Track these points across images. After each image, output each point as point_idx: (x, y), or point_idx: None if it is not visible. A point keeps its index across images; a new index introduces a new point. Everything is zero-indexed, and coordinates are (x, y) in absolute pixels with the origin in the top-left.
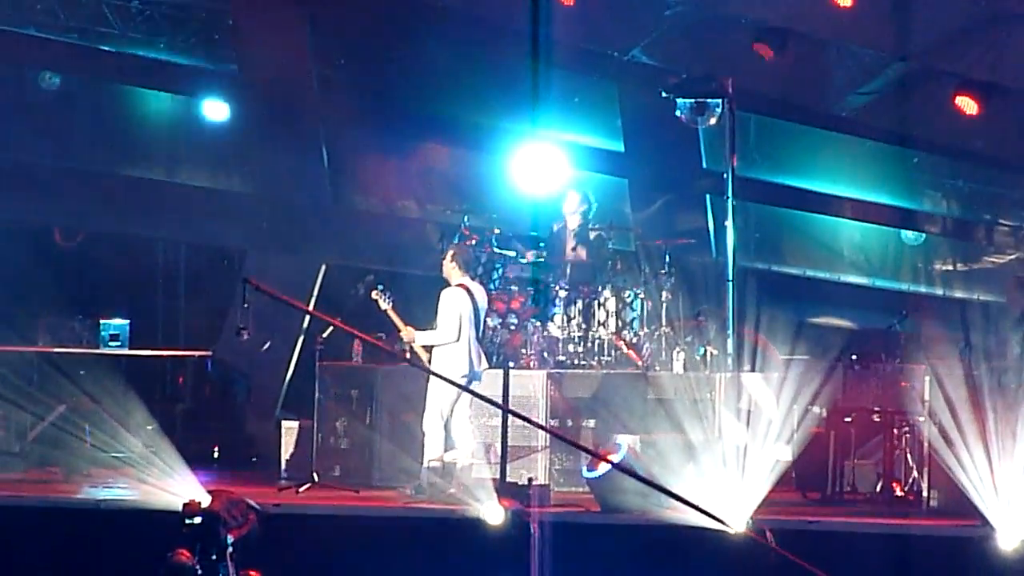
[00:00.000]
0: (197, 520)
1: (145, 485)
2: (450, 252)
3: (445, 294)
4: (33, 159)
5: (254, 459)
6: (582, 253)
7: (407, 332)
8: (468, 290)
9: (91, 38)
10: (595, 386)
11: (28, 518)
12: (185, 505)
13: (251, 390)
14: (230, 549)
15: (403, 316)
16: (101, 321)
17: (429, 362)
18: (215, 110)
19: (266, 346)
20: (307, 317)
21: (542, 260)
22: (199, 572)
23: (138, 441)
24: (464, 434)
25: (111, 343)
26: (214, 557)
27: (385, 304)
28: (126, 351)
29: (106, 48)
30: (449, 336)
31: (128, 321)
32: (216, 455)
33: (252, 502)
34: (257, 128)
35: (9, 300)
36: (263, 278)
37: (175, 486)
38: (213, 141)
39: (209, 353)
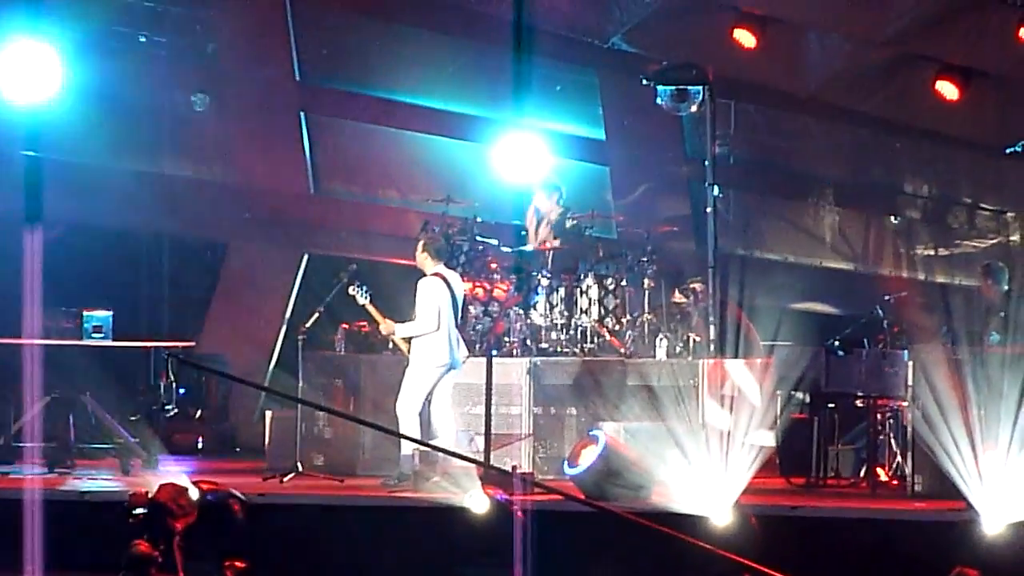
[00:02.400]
0: (143, 511)
1: (129, 476)
2: (420, 242)
3: (422, 284)
4: (13, 151)
5: (238, 449)
6: (558, 243)
7: (386, 325)
8: (444, 279)
9: None
10: (578, 373)
11: (11, 510)
12: (131, 496)
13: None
14: (177, 538)
15: (386, 306)
16: (84, 313)
17: (409, 352)
18: (196, 101)
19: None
20: (289, 306)
21: (523, 248)
22: (160, 561)
23: (122, 432)
24: (446, 422)
25: (94, 335)
26: (161, 547)
27: (362, 299)
28: (109, 342)
29: None
30: (428, 326)
31: (111, 312)
32: (200, 445)
33: (237, 492)
34: (238, 118)
35: None
36: (246, 268)
37: (159, 477)
38: (195, 131)
39: (192, 344)
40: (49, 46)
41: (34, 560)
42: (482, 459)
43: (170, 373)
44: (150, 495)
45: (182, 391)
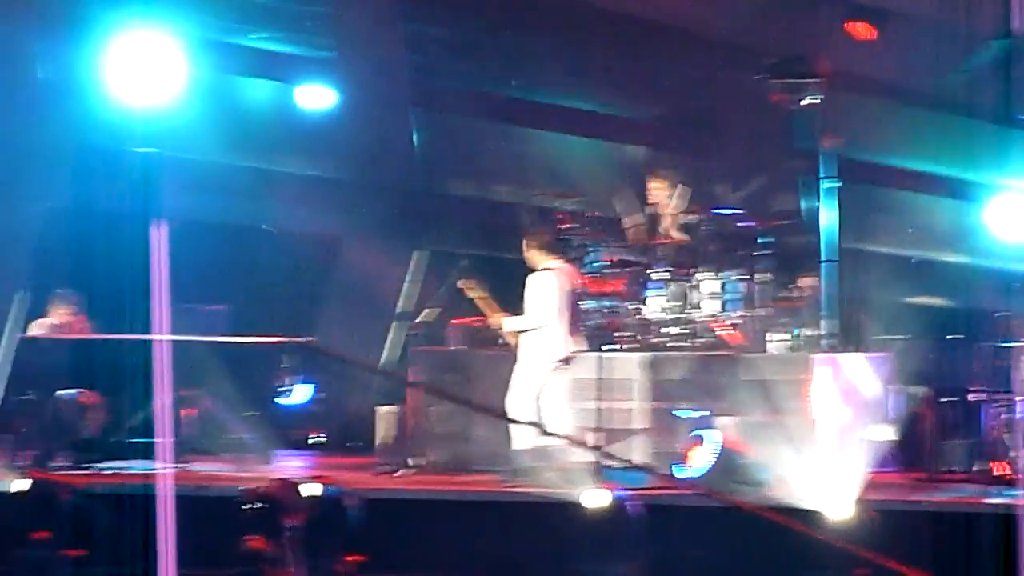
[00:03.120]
0: (256, 505)
1: (244, 472)
2: (526, 240)
3: (532, 279)
4: (134, 148)
5: (350, 444)
6: (677, 236)
7: (496, 319)
8: (556, 273)
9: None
10: (691, 368)
11: (128, 505)
12: (244, 491)
13: (347, 375)
14: (289, 533)
15: (497, 302)
16: (201, 309)
17: (517, 347)
18: (310, 96)
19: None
20: (402, 302)
21: (637, 243)
22: (273, 555)
23: (239, 427)
24: (558, 417)
25: (211, 331)
26: (274, 542)
27: (474, 293)
28: (226, 338)
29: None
30: (537, 321)
31: (228, 308)
32: (314, 441)
33: (349, 487)
34: (352, 114)
35: (115, 289)
36: (359, 264)
37: (273, 473)
38: (308, 127)
39: (310, 339)
40: (170, 41)
41: (149, 555)
42: (594, 456)
43: (288, 367)
44: (264, 490)
45: (297, 387)
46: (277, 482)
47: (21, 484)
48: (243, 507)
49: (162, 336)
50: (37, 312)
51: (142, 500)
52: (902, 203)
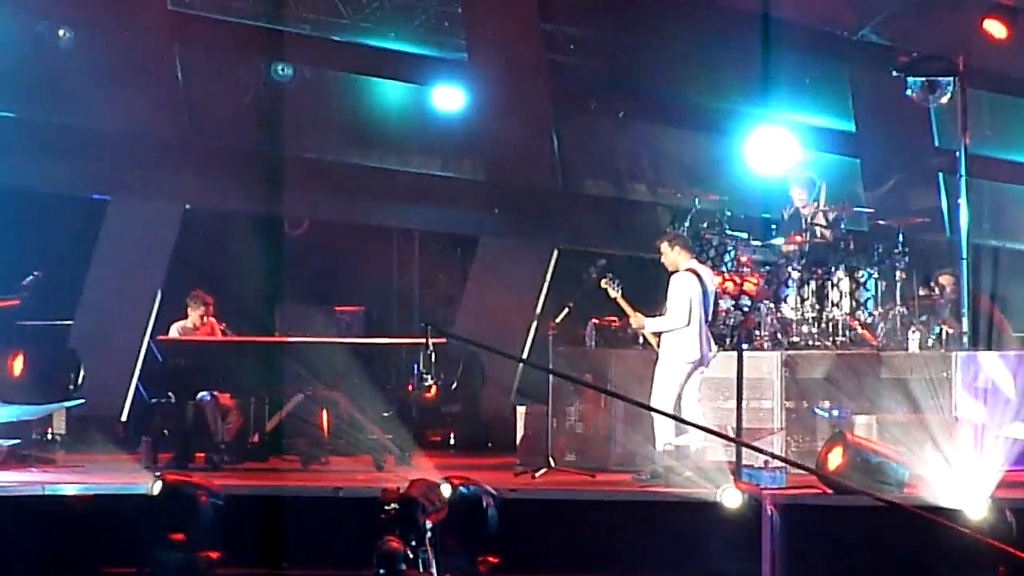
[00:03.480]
0: (395, 506)
1: (381, 472)
2: (665, 241)
3: (675, 279)
4: (267, 149)
5: (489, 444)
6: (826, 234)
7: (637, 319)
8: (697, 274)
9: (323, 29)
10: (829, 367)
11: (267, 506)
12: (383, 491)
13: (486, 375)
14: (428, 534)
15: (635, 300)
16: (336, 309)
17: (658, 347)
18: (445, 97)
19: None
20: (540, 301)
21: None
22: (409, 557)
23: (375, 428)
24: (695, 416)
25: (346, 331)
26: (413, 542)
27: (614, 292)
28: (362, 339)
29: (337, 39)
30: (679, 321)
31: (363, 308)
32: (452, 441)
33: (488, 487)
34: (487, 114)
35: (246, 290)
36: (496, 264)
37: (412, 473)
38: (444, 128)
39: (444, 340)
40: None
41: (289, 555)
42: (733, 457)
43: (426, 366)
44: (402, 491)
45: (436, 386)
46: (416, 482)
47: (158, 485)
48: (383, 507)
49: (293, 338)
50: (174, 314)
51: (277, 501)
52: None
